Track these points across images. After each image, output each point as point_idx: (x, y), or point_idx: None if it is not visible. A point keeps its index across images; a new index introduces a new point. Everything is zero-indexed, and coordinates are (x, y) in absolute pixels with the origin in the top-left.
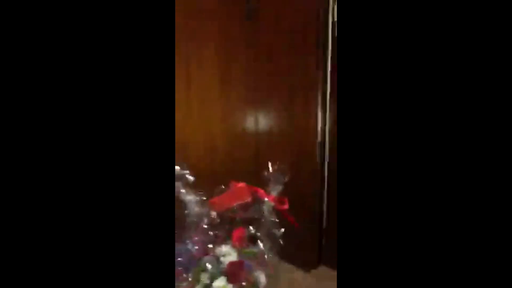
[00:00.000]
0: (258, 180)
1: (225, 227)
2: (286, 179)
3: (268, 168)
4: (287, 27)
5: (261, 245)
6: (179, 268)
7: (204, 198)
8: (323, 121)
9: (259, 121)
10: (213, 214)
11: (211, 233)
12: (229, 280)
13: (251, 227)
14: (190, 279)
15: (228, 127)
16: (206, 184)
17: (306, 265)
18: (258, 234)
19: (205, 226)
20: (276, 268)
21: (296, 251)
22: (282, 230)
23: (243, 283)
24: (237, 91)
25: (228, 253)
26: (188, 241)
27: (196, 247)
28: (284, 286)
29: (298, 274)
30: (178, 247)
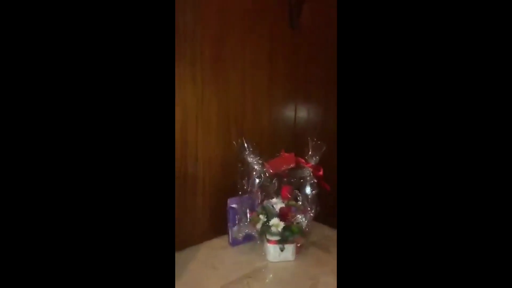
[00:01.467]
0: (295, 154)
1: (276, 185)
2: (322, 151)
3: (307, 144)
4: (324, 37)
5: (301, 200)
6: (247, 210)
7: (261, 161)
8: None
9: (298, 111)
10: (268, 173)
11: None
12: (281, 219)
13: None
14: (252, 220)
15: (273, 115)
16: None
17: (334, 224)
18: (299, 193)
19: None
20: (311, 222)
21: (327, 213)
22: (317, 191)
23: (291, 221)
24: (282, 87)
25: (277, 203)
26: (252, 192)
27: (257, 197)
28: (319, 238)
29: (330, 231)
30: (246, 196)
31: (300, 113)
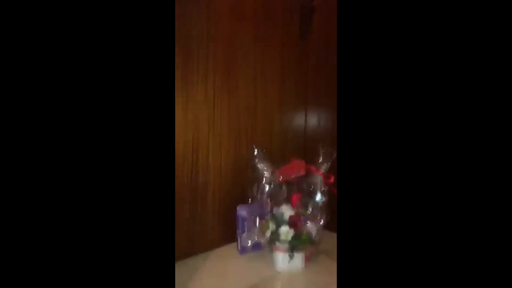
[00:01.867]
0: (306, 162)
1: (285, 192)
2: (332, 159)
3: (318, 151)
4: (334, 47)
5: (311, 208)
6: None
7: (271, 169)
8: None
9: (308, 119)
10: (278, 180)
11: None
12: (290, 227)
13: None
14: (262, 227)
15: (283, 123)
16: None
17: None
18: (309, 201)
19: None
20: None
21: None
22: (327, 198)
23: (300, 229)
24: (291, 96)
25: (287, 211)
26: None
27: (267, 204)
28: (329, 246)
29: None
30: (255, 203)
31: (310, 120)
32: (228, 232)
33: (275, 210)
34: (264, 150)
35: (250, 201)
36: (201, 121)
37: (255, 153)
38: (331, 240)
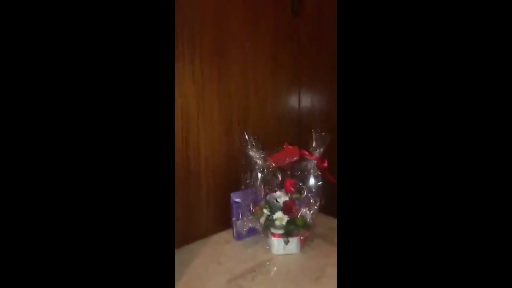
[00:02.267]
0: (300, 145)
1: (279, 178)
2: (326, 143)
3: (312, 135)
4: (327, 23)
5: (305, 193)
6: (251, 204)
7: (263, 155)
8: None
9: (301, 100)
10: (271, 167)
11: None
12: (285, 213)
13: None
14: (256, 214)
15: (277, 105)
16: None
17: None
18: (303, 186)
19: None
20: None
21: (332, 204)
22: (321, 183)
23: (295, 214)
24: (284, 78)
25: (281, 196)
26: (256, 186)
27: (261, 190)
28: (324, 229)
29: (334, 222)
30: (249, 190)
31: (304, 102)
32: (223, 219)
33: (269, 196)
34: (256, 136)
35: (243, 187)
36: (190, 107)
37: (247, 139)
38: (325, 224)
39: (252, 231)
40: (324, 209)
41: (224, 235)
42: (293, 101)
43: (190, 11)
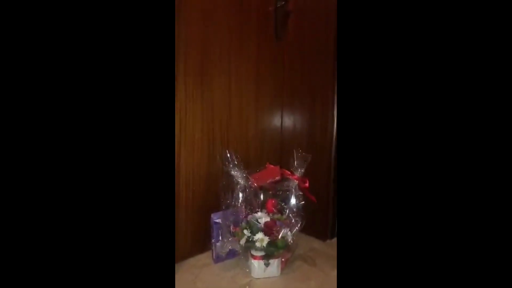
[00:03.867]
0: (281, 164)
1: (260, 199)
2: (307, 163)
3: (293, 155)
4: (308, 48)
5: (287, 213)
6: (231, 225)
7: (245, 175)
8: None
9: (284, 121)
10: (253, 186)
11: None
12: (265, 234)
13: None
14: (236, 235)
15: (259, 125)
16: (243, 166)
17: (322, 237)
18: (285, 206)
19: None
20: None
21: (313, 224)
22: (303, 202)
23: (276, 236)
24: (267, 99)
25: (262, 217)
26: (237, 206)
27: (242, 211)
28: (305, 250)
29: (317, 243)
30: (230, 210)
31: (286, 122)
32: (201, 241)
33: (250, 216)
34: (238, 156)
35: (224, 208)
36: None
37: (229, 158)
38: (306, 244)
39: (231, 253)
40: (304, 229)
41: (203, 258)
42: (275, 121)
43: (176, 34)
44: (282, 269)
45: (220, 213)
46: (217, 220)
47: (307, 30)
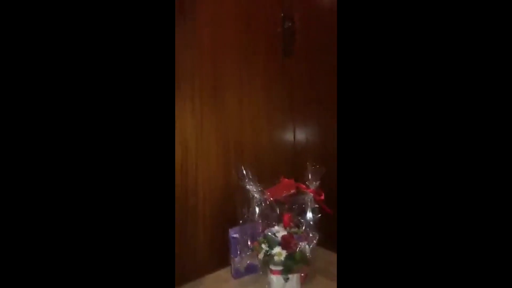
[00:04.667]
0: (296, 178)
1: (277, 212)
2: (321, 175)
3: (307, 168)
4: (315, 63)
5: (303, 226)
6: (250, 240)
7: (260, 189)
8: None
9: (296, 134)
10: (269, 201)
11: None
12: (283, 248)
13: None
14: (254, 249)
15: (272, 138)
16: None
17: None
18: (301, 219)
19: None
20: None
21: (332, 238)
22: (319, 215)
23: (294, 249)
24: (279, 115)
25: (279, 231)
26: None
27: (259, 225)
28: (325, 264)
29: (334, 256)
30: (246, 225)
31: (298, 136)
32: (220, 256)
33: (267, 230)
34: (254, 170)
35: (241, 222)
36: (189, 144)
37: (244, 173)
38: (325, 258)
39: (251, 269)
40: (323, 243)
41: (222, 274)
42: (288, 136)
43: (189, 54)
44: (302, 284)
45: (237, 228)
46: (234, 235)
47: (313, 47)
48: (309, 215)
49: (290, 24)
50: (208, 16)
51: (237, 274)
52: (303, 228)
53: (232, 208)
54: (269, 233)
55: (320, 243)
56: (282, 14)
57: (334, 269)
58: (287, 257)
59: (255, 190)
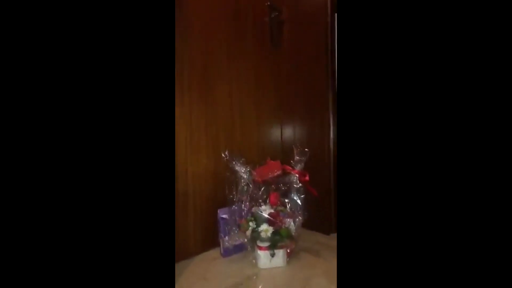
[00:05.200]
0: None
1: (264, 192)
2: (306, 157)
3: (293, 151)
4: (303, 54)
5: (289, 205)
6: (239, 218)
7: (249, 169)
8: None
9: (283, 132)
10: (256, 181)
11: (255, 195)
12: (270, 224)
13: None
14: (242, 227)
15: (260, 136)
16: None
17: (326, 231)
18: (286, 200)
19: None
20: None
21: (317, 220)
22: (303, 196)
23: (280, 225)
24: (266, 107)
25: (266, 209)
26: (241, 200)
27: (247, 204)
28: (310, 244)
29: (320, 237)
30: (235, 205)
31: (286, 132)
32: (209, 239)
33: (254, 209)
34: (243, 159)
35: (230, 203)
36: (179, 132)
37: (233, 157)
38: (309, 238)
39: (239, 248)
40: (308, 225)
41: (212, 253)
42: (276, 130)
43: (180, 50)
44: (287, 259)
45: (226, 208)
46: (223, 216)
47: (300, 38)
48: (294, 195)
49: (276, 13)
50: (198, 5)
51: (226, 253)
52: (289, 206)
53: (222, 192)
54: (257, 211)
55: (308, 225)
56: (268, 3)
57: (318, 247)
58: (273, 233)
59: (242, 171)
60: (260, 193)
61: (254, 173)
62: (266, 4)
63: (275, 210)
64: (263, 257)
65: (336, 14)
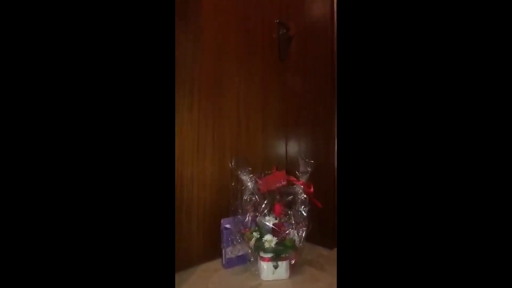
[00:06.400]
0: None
1: (268, 203)
2: (311, 169)
3: (298, 162)
4: (309, 68)
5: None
6: (243, 228)
7: (254, 178)
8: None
9: (288, 143)
10: (261, 191)
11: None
12: (274, 235)
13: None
14: (246, 237)
15: (266, 146)
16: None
17: (329, 245)
18: (290, 212)
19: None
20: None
21: (320, 234)
22: (308, 207)
23: (284, 236)
24: (273, 120)
25: (270, 220)
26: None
27: (251, 215)
28: (311, 257)
29: (324, 251)
30: (241, 214)
31: (291, 147)
32: (213, 248)
33: (258, 219)
34: (250, 168)
35: (233, 213)
36: (186, 141)
37: (238, 165)
38: (313, 252)
39: (241, 260)
40: (314, 239)
41: (214, 264)
42: (281, 144)
43: (192, 51)
44: (290, 272)
45: (230, 218)
46: (227, 226)
47: (307, 53)
48: (299, 206)
49: (285, 30)
50: (210, 20)
51: (228, 264)
52: (293, 218)
53: (226, 202)
54: (261, 221)
55: (311, 239)
56: (277, 21)
57: (322, 261)
58: (277, 243)
59: (248, 180)
60: (264, 204)
61: (260, 182)
62: (276, 21)
63: (279, 220)
64: (266, 269)
65: None
